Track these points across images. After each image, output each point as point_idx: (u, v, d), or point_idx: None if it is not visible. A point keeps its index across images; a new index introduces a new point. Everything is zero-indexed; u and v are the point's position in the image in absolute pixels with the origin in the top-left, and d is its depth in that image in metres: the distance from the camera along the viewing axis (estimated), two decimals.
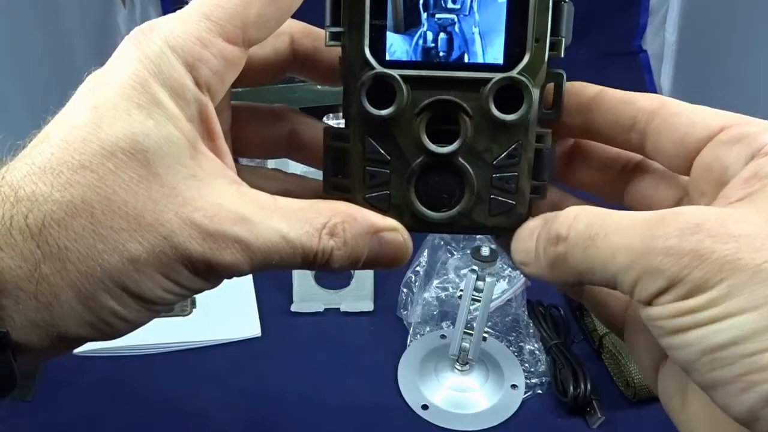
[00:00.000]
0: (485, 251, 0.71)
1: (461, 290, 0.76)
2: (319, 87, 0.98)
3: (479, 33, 0.29)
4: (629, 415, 0.73)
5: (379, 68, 0.28)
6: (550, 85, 0.30)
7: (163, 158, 0.25)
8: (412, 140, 0.29)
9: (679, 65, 1.21)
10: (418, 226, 0.30)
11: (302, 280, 0.84)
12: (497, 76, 0.28)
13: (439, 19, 0.29)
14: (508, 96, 0.29)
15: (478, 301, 0.71)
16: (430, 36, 0.29)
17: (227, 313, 0.83)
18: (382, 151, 0.30)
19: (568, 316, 0.83)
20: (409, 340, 0.81)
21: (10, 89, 0.84)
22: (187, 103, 0.26)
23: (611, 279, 0.25)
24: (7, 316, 0.24)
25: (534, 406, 0.75)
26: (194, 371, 0.78)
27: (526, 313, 0.81)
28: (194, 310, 0.83)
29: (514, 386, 0.76)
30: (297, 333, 0.83)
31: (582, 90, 0.31)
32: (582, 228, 0.26)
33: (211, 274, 0.26)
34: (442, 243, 0.86)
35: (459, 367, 0.76)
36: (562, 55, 0.29)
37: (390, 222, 0.29)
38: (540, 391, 0.76)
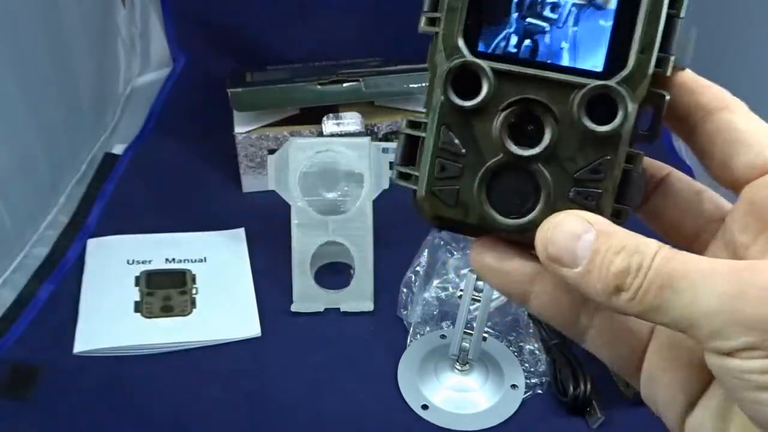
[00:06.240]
0: None
1: (461, 290, 0.76)
2: (319, 87, 0.97)
3: (568, 49, 0.27)
4: (629, 415, 0.73)
5: (469, 57, 0.27)
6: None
7: None
8: (491, 137, 0.28)
9: None
10: (482, 228, 0.29)
11: (302, 280, 0.84)
12: (593, 82, 0.27)
13: (529, 24, 0.27)
14: (601, 107, 0.27)
15: (478, 301, 0.71)
16: (514, 40, 0.28)
17: (227, 313, 0.83)
18: (459, 143, 0.28)
19: None
20: (409, 340, 0.81)
21: (10, 89, 0.84)
22: None
23: (683, 322, 0.24)
24: None
25: (534, 406, 0.75)
26: (194, 371, 0.78)
27: (526, 313, 0.81)
28: (194, 310, 0.82)
29: (514, 386, 0.76)
30: (297, 333, 0.83)
31: None
32: (661, 263, 0.24)
33: None
34: (442, 243, 0.86)
35: (459, 367, 0.76)
36: (668, 74, 0.27)
37: None
38: (540, 391, 0.76)
